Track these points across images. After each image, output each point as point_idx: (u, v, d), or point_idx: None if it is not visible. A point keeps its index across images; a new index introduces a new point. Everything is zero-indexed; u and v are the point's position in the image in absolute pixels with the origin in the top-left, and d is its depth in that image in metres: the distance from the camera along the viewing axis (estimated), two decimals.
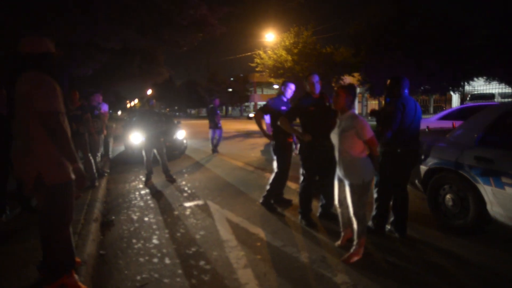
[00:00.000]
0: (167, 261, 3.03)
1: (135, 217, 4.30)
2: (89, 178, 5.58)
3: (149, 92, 58.23)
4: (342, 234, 3.06)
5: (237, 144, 12.31)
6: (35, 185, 2.23)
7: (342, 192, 2.99)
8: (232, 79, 45.69)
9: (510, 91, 17.45)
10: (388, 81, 3.40)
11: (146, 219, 4.23)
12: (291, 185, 5.62)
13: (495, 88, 17.01)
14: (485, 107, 3.46)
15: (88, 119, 5.61)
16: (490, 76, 11.76)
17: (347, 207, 2.96)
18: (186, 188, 5.71)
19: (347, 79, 22.41)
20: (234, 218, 4.11)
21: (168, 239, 3.53)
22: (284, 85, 4.31)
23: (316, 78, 3.71)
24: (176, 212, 4.44)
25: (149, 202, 5.00)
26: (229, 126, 25.02)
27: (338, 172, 2.96)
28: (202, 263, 2.97)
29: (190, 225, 3.92)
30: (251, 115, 37.36)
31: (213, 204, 4.70)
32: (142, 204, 4.91)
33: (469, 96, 18.62)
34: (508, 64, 10.27)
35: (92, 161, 5.71)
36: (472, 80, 13.71)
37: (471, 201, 3.22)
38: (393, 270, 2.75)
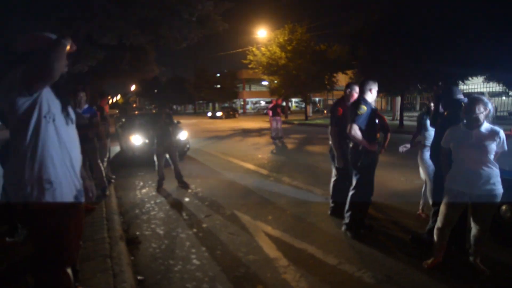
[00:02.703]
0: (219, 287, 2.72)
1: (161, 232, 3.94)
2: (100, 186, 5.16)
3: (133, 88, 56.75)
4: (436, 255, 2.88)
5: (239, 144, 11.99)
6: (21, 211, 1.68)
7: (458, 211, 2.79)
8: (218, 75, 45.09)
9: (498, 90, 17.92)
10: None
11: (174, 234, 3.88)
12: (317, 191, 5.40)
13: (483, 87, 17.39)
14: None
15: (97, 123, 5.16)
16: (489, 76, 11.94)
17: (451, 226, 2.83)
18: (204, 196, 5.37)
19: (340, 77, 22.45)
20: (271, 231, 3.83)
21: (209, 259, 3.21)
22: (350, 88, 3.97)
23: (376, 85, 3.49)
24: (205, 225, 4.11)
25: (170, 213, 4.64)
26: (219, 124, 24.59)
27: (465, 187, 2.68)
28: (260, 287, 2.69)
29: (227, 241, 3.61)
30: (210, 114, 35.40)
31: (242, 215, 4.40)
32: (162, 215, 4.54)
33: None
34: (507, 65, 10.39)
35: (102, 168, 5.29)
36: (467, 79, 13.90)
37: None
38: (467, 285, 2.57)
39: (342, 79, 22.75)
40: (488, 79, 12.10)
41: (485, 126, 2.64)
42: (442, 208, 2.81)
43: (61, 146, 1.73)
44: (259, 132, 17.00)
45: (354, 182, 3.57)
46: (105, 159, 6.07)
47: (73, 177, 1.80)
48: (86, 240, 3.40)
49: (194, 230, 3.97)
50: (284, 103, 17.15)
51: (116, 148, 10.35)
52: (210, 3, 8.02)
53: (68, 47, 1.72)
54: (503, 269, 2.87)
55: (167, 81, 48.39)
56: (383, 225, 3.88)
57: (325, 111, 36.31)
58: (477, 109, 2.59)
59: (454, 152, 2.74)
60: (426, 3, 13.18)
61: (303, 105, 32.00)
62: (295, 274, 2.87)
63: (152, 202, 5.15)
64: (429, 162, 3.58)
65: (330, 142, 4.10)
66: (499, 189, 2.64)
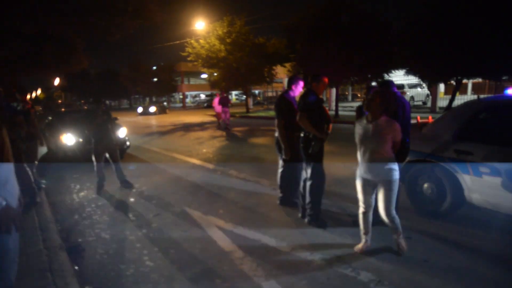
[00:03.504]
0: (177, 286, 2.68)
1: (107, 236, 3.71)
2: (29, 194, 4.63)
3: (57, 81, 51.21)
4: (364, 239, 3.10)
5: (181, 139, 11.68)
6: None
7: (370, 195, 3.01)
8: (154, 68, 42.99)
9: (414, 82, 20.30)
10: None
11: (122, 236, 3.68)
12: (264, 182, 5.56)
13: (403, 79, 19.52)
14: (464, 104, 3.86)
15: (21, 122, 4.60)
16: (409, 69, 13.38)
17: (372, 210, 3.05)
18: (151, 195, 5.17)
19: (279, 69, 23.10)
20: (224, 225, 3.86)
21: (164, 259, 3.13)
22: (295, 82, 4.08)
23: (323, 79, 3.69)
24: (155, 225, 3.97)
25: (115, 215, 4.38)
26: (158, 119, 23.64)
27: (368, 175, 2.91)
28: (218, 281, 2.71)
29: (180, 239, 3.54)
30: (140, 109, 30.50)
31: (193, 211, 4.35)
32: (107, 218, 4.26)
33: None
34: (423, 60, 11.81)
35: (29, 172, 4.74)
36: (391, 72, 15.41)
37: (449, 188, 3.60)
38: (402, 258, 2.91)
39: (280, 71, 23.44)
40: (408, 73, 13.58)
41: (383, 119, 2.82)
42: (358, 194, 3.08)
43: None
44: (201, 126, 16.74)
45: (309, 172, 3.67)
46: (36, 162, 5.45)
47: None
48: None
49: (144, 231, 3.81)
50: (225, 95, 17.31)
51: (41, 149, 9.31)
52: None
53: None
54: (427, 238, 3.31)
55: (99, 74, 44.64)
56: (328, 210, 4.17)
57: (265, 104, 37.12)
58: (376, 103, 2.77)
59: (358, 143, 2.97)
60: (357, 2, 14.28)
61: (243, 98, 32.25)
62: (252, 264, 2.96)
63: (93, 205, 4.79)
64: None
65: (276, 134, 4.22)
66: (395, 175, 2.84)
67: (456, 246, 3.15)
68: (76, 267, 3.05)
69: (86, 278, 2.87)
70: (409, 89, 21.02)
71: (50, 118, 10.85)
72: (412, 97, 21.12)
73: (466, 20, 10.04)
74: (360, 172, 3.00)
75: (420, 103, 22.35)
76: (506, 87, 4.48)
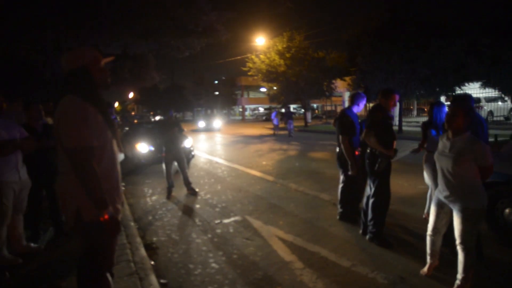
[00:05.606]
0: None
1: (176, 238, 4.07)
2: None
3: (131, 95, 56.99)
4: (430, 261, 2.92)
5: (242, 151, 12.15)
6: (75, 222, 1.84)
7: (441, 219, 2.79)
8: (216, 82, 45.39)
9: (494, 95, 18.28)
10: None
11: (189, 239, 4.01)
12: (324, 196, 5.55)
13: (479, 93, 17.70)
14: None
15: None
16: (486, 82, 12.17)
17: (441, 235, 2.83)
18: (214, 202, 5.50)
19: (339, 83, 22.74)
20: (284, 235, 3.96)
21: (227, 263, 3.34)
22: (359, 97, 4.16)
23: (398, 97, 3.67)
24: (218, 231, 4.24)
25: (183, 219, 4.77)
26: (218, 131, 24.74)
27: (442, 197, 2.71)
28: None
29: (242, 245, 3.74)
30: (202, 124, 25.53)
31: (254, 220, 4.53)
32: (176, 221, 4.67)
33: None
34: (504, 71, 10.68)
35: None
36: (464, 85, 14.17)
37: None
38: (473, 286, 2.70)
39: (340, 85, 23.06)
40: (484, 85, 12.35)
41: (465, 136, 2.53)
42: (430, 215, 2.85)
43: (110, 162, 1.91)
44: (260, 139, 17.17)
45: (373, 189, 3.60)
46: None
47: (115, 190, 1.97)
48: None
49: (209, 235, 4.09)
50: (283, 110, 17.73)
51: (119, 156, 10.46)
52: (214, 13, 8.24)
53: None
54: (506, 269, 3.01)
55: (166, 88, 48.66)
56: (391, 229, 4.02)
57: (324, 117, 36.57)
58: (458, 118, 2.51)
59: (436, 160, 2.73)
60: (423, 9, 13.52)
61: (302, 111, 32.19)
62: (311, 276, 3.01)
63: (164, 208, 5.27)
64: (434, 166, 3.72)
65: (338, 150, 4.23)
66: (474, 203, 2.50)
67: None
68: (152, 262, 3.42)
69: (161, 272, 3.20)
70: (486, 103, 19.02)
71: (127, 128, 12.16)
72: (490, 112, 19.04)
73: None
74: (436, 192, 2.81)
75: (502, 118, 19.99)
76: None
